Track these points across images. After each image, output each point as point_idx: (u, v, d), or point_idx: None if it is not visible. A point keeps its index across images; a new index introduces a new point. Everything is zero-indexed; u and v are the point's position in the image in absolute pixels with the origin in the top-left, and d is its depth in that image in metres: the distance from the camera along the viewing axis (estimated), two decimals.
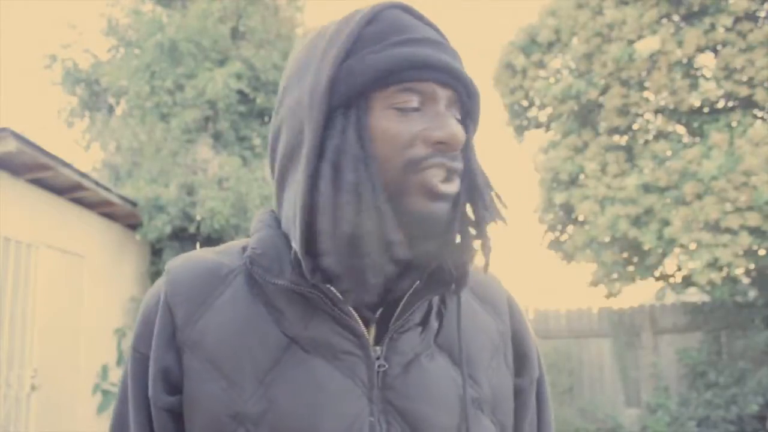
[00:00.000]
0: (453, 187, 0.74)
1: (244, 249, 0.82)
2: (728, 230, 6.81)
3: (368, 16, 0.76)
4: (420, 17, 0.79)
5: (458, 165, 0.74)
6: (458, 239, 0.76)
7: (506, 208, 0.80)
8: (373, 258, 0.71)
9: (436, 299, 0.81)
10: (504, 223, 0.79)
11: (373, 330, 0.77)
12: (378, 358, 0.75)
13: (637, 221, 7.44)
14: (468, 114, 0.78)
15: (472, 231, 0.77)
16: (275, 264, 0.76)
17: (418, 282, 0.77)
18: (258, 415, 0.72)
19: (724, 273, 7.03)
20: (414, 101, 0.74)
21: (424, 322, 0.79)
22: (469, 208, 0.77)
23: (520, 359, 0.88)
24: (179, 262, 0.81)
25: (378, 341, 0.77)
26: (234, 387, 0.73)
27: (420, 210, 0.72)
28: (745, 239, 6.67)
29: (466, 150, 0.77)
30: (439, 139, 0.73)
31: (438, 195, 0.72)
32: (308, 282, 0.73)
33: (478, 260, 0.79)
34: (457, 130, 0.73)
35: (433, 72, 0.74)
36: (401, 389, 0.75)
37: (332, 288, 0.73)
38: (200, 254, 0.83)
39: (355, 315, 0.75)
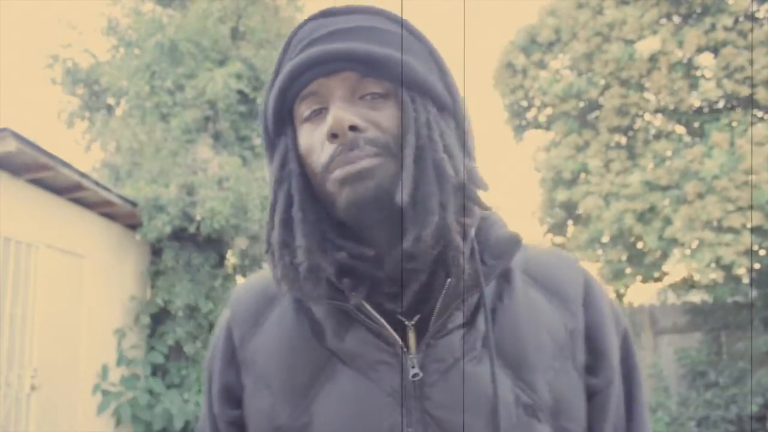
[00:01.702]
0: (363, 164, 0.69)
1: None
2: (730, 229, 6.81)
3: (288, 39, 0.79)
4: (329, 12, 0.78)
5: (361, 150, 0.69)
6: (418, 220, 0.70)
7: (479, 180, 0.74)
8: (289, 271, 0.73)
9: (490, 296, 0.76)
10: (454, 178, 0.71)
11: (413, 337, 0.74)
12: (413, 367, 0.73)
13: (642, 217, 7.44)
14: (397, 82, 0.73)
15: (429, 203, 0.70)
16: None
17: (449, 280, 0.73)
18: (299, 429, 0.75)
19: (725, 272, 7.03)
20: (313, 106, 0.74)
21: (469, 323, 0.75)
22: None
23: (596, 357, 0.79)
24: (240, 287, 0.88)
25: (417, 348, 0.74)
26: (280, 402, 0.77)
27: (342, 203, 0.71)
28: (747, 238, 6.66)
29: (404, 121, 0.72)
30: (329, 133, 0.70)
31: (353, 176, 0.69)
32: (339, 294, 0.74)
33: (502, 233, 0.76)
34: (338, 114, 0.69)
35: (310, 72, 0.73)
36: (438, 398, 0.72)
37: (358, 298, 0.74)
38: (259, 275, 0.88)
39: (385, 323, 0.73)
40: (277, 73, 0.79)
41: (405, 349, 0.73)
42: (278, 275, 0.74)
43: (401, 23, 0.78)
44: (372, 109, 0.73)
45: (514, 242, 0.77)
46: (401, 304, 0.73)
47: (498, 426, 0.71)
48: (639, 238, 7.59)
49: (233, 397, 0.82)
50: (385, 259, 0.72)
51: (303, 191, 0.74)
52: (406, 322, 0.74)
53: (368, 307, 0.73)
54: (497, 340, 0.74)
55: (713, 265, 6.87)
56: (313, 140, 0.74)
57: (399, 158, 0.70)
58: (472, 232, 0.75)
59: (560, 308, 0.79)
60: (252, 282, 0.88)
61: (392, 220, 0.70)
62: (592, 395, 0.78)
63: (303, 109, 0.75)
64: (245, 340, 0.82)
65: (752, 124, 7.28)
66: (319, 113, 0.74)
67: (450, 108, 0.76)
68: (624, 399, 0.82)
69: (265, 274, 0.86)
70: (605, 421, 0.79)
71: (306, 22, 0.79)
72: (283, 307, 0.82)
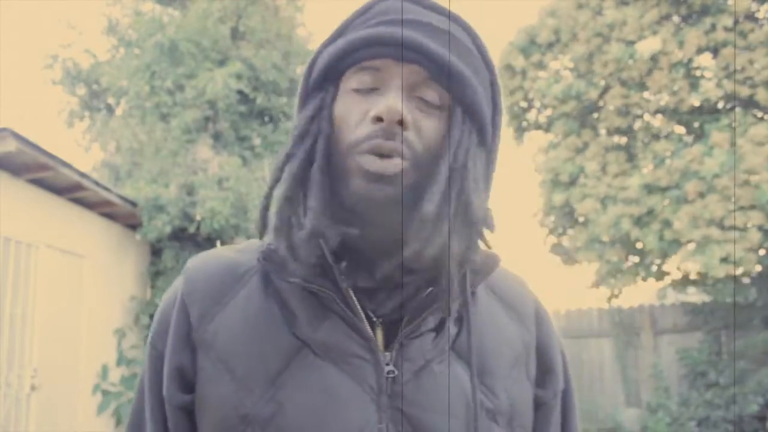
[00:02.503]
0: (390, 166, 0.69)
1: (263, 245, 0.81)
2: (736, 227, 6.80)
3: (363, 7, 0.77)
4: (422, 3, 0.76)
5: (396, 144, 0.69)
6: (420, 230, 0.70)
7: (491, 223, 0.74)
8: (285, 227, 0.73)
9: (457, 303, 0.77)
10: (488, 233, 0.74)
11: (381, 334, 0.75)
12: (387, 364, 0.73)
13: (639, 221, 7.44)
14: (457, 100, 0.73)
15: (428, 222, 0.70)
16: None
17: (431, 289, 0.74)
18: (266, 418, 0.71)
19: (733, 270, 7.02)
20: (369, 81, 0.73)
21: (439, 328, 0.77)
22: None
23: (544, 370, 0.84)
24: (198, 261, 0.82)
25: (388, 346, 0.75)
26: (244, 389, 0.72)
27: (357, 191, 0.70)
28: (755, 235, 6.66)
29: (446, 141, 0.72)
30: (375, 114, 0.70)
31: (372, 175, 0.69)
32: (320, 280, 0.73)
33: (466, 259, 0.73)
34: (394, 104, 0.69)
35: (384, 48, 0.72)
36: (411, 397, 0.73)
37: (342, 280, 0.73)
38: (219, 252, 0.83)
39: (363, 317, 0.73)
40: (341, 31, 0.77)
41: (377, 346, 0.74)
42: (274, 229, 0.73)
43: (481, 49, 0.78)
44: (421, 113, 0.72)
45: (494, 261, 0.80)
46: (374, 303, 0.74)
47: (476, 429, 0.74)
48: (638, 240, 7.59)
49: (185, 380, 0.76)
50: (381, 257, 0.73)
51: (326, 153, 0.73)
52: (375, 319, 0.75)
53: (353, 297, 0.73)
54: (464, 347, 0.77)
55: (728, 260, 6.84)
56: (353, 111, 0.73)
57: (423, 171, 0.70)
58: (468, 263, 0.75)
59: (517, 323, 0.84)
60: (213, 259, 0.81)
61: (396, 225, 0.70)
62: (538, 406, 0.83)
63: (355, 80, 0.74)
64: (205, 318, 0.76)
65: (734, 110, 7.28)
66: (370, 91, 0.73)
67: (487, 144, 0.76)
68: (562, 411, 0.87)
69: (224, 252, 0.83)
70: (548, 429, 0.85)
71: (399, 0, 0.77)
72: (250, 288, 0.77)
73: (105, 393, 6.40)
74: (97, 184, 5.86)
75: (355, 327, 0.73)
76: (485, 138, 0.75)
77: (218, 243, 7.42)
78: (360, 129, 0.71)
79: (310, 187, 0.71)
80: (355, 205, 0.70)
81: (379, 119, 0.69)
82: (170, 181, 7.08)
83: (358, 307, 0.73)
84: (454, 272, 0.72)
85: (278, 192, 0.76)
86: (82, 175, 5.58)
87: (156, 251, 7.46)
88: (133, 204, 6.68)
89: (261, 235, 0.76)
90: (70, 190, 5.74)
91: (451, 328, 0.77)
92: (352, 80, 0.74)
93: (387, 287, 0.74)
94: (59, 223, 5.76)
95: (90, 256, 6.22)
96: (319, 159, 0.72)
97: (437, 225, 0.69)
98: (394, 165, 0.69)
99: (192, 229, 6.97)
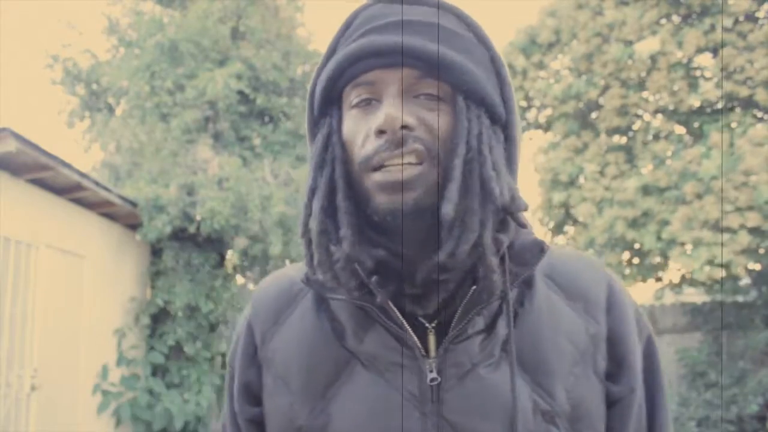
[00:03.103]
0: (411, 171, 0.68)
1: None
2: (728, 229, 6.82)
3: (346, 21, 0.77)
4: (409, 1, 0.75)
5: (406, 149, 0.68)
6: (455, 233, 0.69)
7: (521, 202, 0.72)
8: (326, 258, 0.72)
9: (511, 301, 0.75)
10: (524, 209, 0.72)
11: (432, 341, 0.74)
12: (431, 371, 0.72)
13: (634, 223, 7.45)
14: (455, 87, 0.71)
15: (468, 221, 0.69)
16: None
17: (474, 288, 0.72)
18: (318, 429, 0.75)
19: (724, 271, 7.03)
20: (365, 95, 0.72)
21: (489, 329, 0.74)
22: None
23: (618, 363, 0.77)
24: (264, 283, 0.87)
25: (436, 352, 0.74)
26: (299, 402, 0.76)
27: (382, 206, 0.69)
28: (744, 238, 6.67)
29: (456, 130, 0.70)
30: (377, 127, 0.69)
31: (390, 186, 0.68)
32: (364, 295, 0.73)
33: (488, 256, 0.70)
34: (392, 111, 0.68)
35: (371, 59, 0.71)
36: (455, 403, 0.72)
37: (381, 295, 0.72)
38: (282, 272, 0.88)
39: (406, 325, 0.73)
40: (332, 51, 0.77)
41: (424, 353, 0.73)
42: (314, 262, 0.73)
43: (473, 28, 0.76)
44: (425, 110, 0.71)
45: (539, 250, 0.76)
46: (424, 308, 0.73)
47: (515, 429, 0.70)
48: (635, 241, 7.60)
49: (253, 394, 0.82)
50: (417, 263, 0.71)
51: (346, 178, 0.72)
52: (427, 325, 0.74)
53: (392, 307, 0.72)
54: (517, 346, 0.74)
55: (713, 263, 6.87)
56: (358, 129, 0.72)
57: (441, 165, 0.69)
58: (504, 246, 0.74)
59: (582, 313, 0.77)
60: (273, 279, 0.87)
61: (428, 228, 0.69)
62: (613, 402, 0.77)
63: (353, 96, 0.73)
64: (266, 338, 0.82)
65: (722, 111, 7.28)
66: (369, 103, 0.72)
67: (502, 120, 0.74)
68: (646, 406, 0.80)
69: (286, 271, 0.87)
70: (626, 428, 0.78)
71: (370, 4, 0.77)
72: (304, 306, 0.81)
73: (105, 393, 6.40)
74: (97, 184, 5.86)
75: (398, 336, 0.74)
76: (497, 115, 0.74)
77: (219, 243, 7.43)
78: (367, 145, 0.70)
79: (339, 217, 0.71)
80: (383, 219, 0.70)
81: (381, 131, 0.69)
82: (170, 181, 7.08)
83: (399, 316, 0.72)
84: (491, 264, 0.70)
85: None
86: (82, 175, 5.57)
87: (156, 251, 7.47)
88: (133, 204, 6.68)
89: (313, 272, 0.76)
90: (70, 190, 5.74)
91: (502, 329, 0.74)
92: (350, 97, 0.74)
93: (433, 291, 0.72)
94: (59, 223, 5.76)
95: (90, 256, 6.22)
96: (341, 187, 0.72)
97: (465, 220, 0.68)
98: (409, 171, 0.68)
99: (192, 229, 6.97)
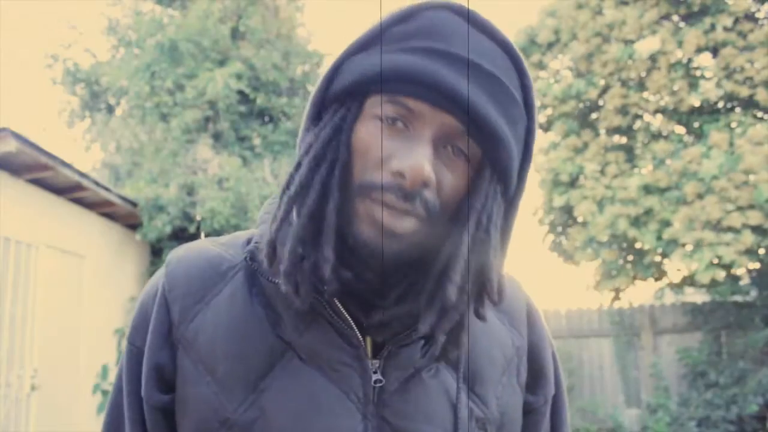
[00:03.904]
0: (403, 224, 0.65)
1: (248, 242, 0.77)
2: (730, 229, 6.82)
3: (403, 13, 0.69)
4: (476, 23, 0.68)
5: (413, 207, 0.64)
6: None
7: (493, 295, 0.69)
8: (299, 270, 0.66)
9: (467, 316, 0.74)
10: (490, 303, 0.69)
11: (371, 342, 0.72)
12: (375, 372, 0.71)
13: (636, 221, 7.45)
14: (489, 159, 0.67)
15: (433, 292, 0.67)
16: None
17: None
18: (247, 423, 0.69)
19: (725, 272, 7.04)
20: (397, 116, 0.66)
21: (429, 336, 0.72)
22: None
23: (535, 375, 0.82)
24: (180, 254, 0.77)
25: (376, 354, 0.72)
26: (225, 392, 0.70)
27: (364, 240, 0.65)
28: (747, 237, 6.67)
29: (470, 204, 0.66)
30: (396, 169, 0.64)
31: (384, 229, 0.64)
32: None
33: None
34: (422, 165, 0.63)
35: (420, 88, 0.64)
36: (398, 406, 0.71)
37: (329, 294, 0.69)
38: (203, 246, 0.78)
39: (352, 323, 0.70)
40: (376, 34, 0.69)
41: (366, 354, 0.71)
42: (278, 267, 0.67)
43: (526, 89, 0.70)
44: (447, 168, 0.66)
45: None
46: (369, 318, 0.70)
47: None
48: (635, 240, 7.60)
49: (165, 379, 0.72)
50: (382, 289, 0.68)
51: (342, 189, 0.66)
52: (366, 326, 0.71)
53: (338, 304, 0.69)
54: (456, 354, 0.74)
55: (718, 264, 6.86)
56: (375, 147, 0.66)
57: (436, 228, 0.66)
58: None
59: (508, 326, 0.81)
60: (195, 253, 0.77)
61: (399, 276, 0.68)
62: (527, 412, 0.81)
63: (385, 108, 0.66)
64: (186, 316, 0.72)
65: (709, 112, 7.28)
66: (394, 123, 0.66)
67: (510, 195, 0.71)
68: (552, 417, 0.84)
69: (208, 246, 0.78)
70: None
71: (437, 5, 0.69)
72: (233, 286, 0.73)
73: (105, 393, 6.40)
74: (97, 184, 5.86)
75: (342, 333, 0.70)
76: (509, 189, 0.70)
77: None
78: (377, 173, 0.65)
79: (324, 231, 0.65)
80: (359, 250, 0.66)
81: (401, 175, 0.64)
82: (170, 181, 7.08)
83: (345, 313, 0.70)
84: (456, 317, 0.69)
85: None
86: (82, 175, 5.58)
87: (156, 251, 7.47)
88: (133, 204, 6.68)
89: (272, 274, 0.70)
90: (70, 190, 5.74)
91: (441, 336, 0.72)
92: (378, 106, 0.66)
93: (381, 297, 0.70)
94: (59, 223, 5.77)
95: (90, 256, 6.22)
96: (335, 196, 0.66)
97: (456, 303, 0.66)
98: (407, 225, 0.65)
99: (192, 229, 6.98)
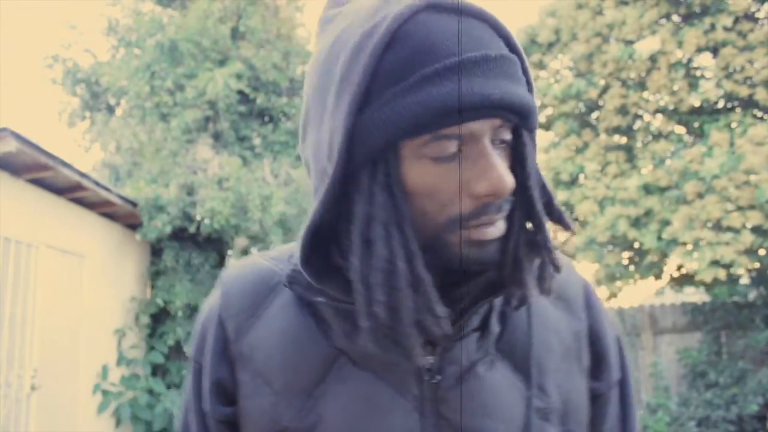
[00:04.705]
0: (499, 229, 0.65)
1: (291, 257, 0.77)
2: (730, 229, 6.82)
3: (385, 39, 0.61)
4: (448, 9, 0.63)
5: (506, 207, 0.66)
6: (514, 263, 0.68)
7: (569, 223, 0.71)
8: (408, 333, 0.63)
9: (498, 300, 0.73)
10: (570, 233, 0.72)
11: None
12: (429, 369, 0.70)
13: (636, 222, 7.45)
14: (523, 123, 0.66)
15: (530, 252, 0.68)
16: None
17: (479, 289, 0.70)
18: (306, 430, 0.70)
19: (725, 271, 7.04)
20: (452, 147, 0.62)
21: (484, 327, 0.72)
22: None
23: (598, 361, 0.79)
24: (232, 272, 0.80)
25: (431, 351, 0.71)
26: (282, 401, 0.71)
27: (470, 257, 0.65)
28: (747, 237, 6.67)
29: (522, 164, 0.67)
30: (486, 192, 0.62)
31: (487, 243, 0.65)
32: (351, 297, 0.66)
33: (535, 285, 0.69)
34: (504, 175, 0.62)
35: (473, 113, 0.61)
36: (455, 402, 0.70)
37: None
38: (253, 261, 0.80)
39: None
40: (372, 75, 0.61)
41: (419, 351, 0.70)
42: (378, 337, 0.63)
43: (510, 44, 0.68)
44: (504, 160, 0.66)
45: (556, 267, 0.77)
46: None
47: (530, 429, 0.71)
48: (635, 240, 7.60)
49: (226, 393, 0.75)
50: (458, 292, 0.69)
51: (417, 242, 0.63)
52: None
53: None
54: (509, 345, 0.73)
55: (714, 263, 6.87)
56: (440, 188, 0.63)
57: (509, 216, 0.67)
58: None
59: (565, 312, 0.79)
60: (247, 269, 0.79)
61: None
62: (593, 399, 0.79)
63: (432, 146, 0.62)
64: (241, 332, 0.75)
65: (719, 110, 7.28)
66: (447, 152, 0.63)
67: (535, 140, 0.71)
68: (620, 402, 0.82)
69: (258, 260, 0.80)
70: (604, 424, 0.80)
71: (408, 16, 0.62)
72: (283, 299, 0.75)
73: (105, 393, 6.40)
74: (97, 184, 5.86)
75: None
76: (535, 138, 0.71)
77: (219, 243, 7.42)
78: (456, 205, 0.63)
79: (428, 294, 0.62)
80: (467, 269, 0.66)
81: (487, 195, 0.62)
82: (170, 181, 7.08)
83: None
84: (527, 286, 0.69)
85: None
86: (82, 175, 5.58)
87: (156, 251, 7.47)
88: (133, 204, 6.69)
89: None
90: (70, 190, 5.74)
91: (495, 326, 0.73)
92: (425, 148, 0.62)
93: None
94: (59, 223, 5.77)
95: (90, 256, 6.22)
96: (419, 255, 0.63)
97: (523, 277, 0.67)
98: (500, 226, 0.65)
99: (192, 229, 6.98)
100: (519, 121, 0.64)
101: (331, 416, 0.70)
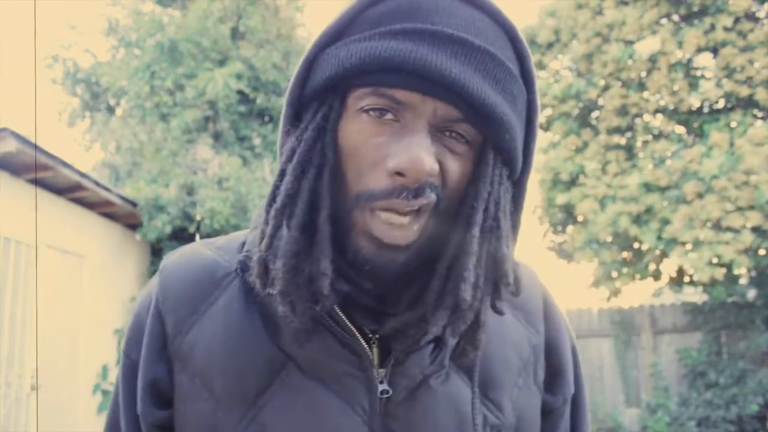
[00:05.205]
0: (406, 236, 0.60)
1: (243, 245, 0.72)
2: (730, 229, 6.82)
3: None
4: None
5: (418, 202, 0.59)
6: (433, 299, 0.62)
7: (507, 290, 0.64)
8: (295, 288, 0.60)
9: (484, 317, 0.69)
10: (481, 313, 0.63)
11: (377, 350, 0.67)
12: (381, 382, 0.66)
13: (637, 219, 7.45)
14: (491, 142, 0.61)
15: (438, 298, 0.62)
16: None
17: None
18: None
19: (724, 271, 7.04)
20: (383, 106, 0.60)
21: (438, 339, 0.68)
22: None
23: (554, 374, 0.76)
24: (173, 260, 0.73)
25: (382, 363, 0.67)
26: (224, 408, 0.66)
27: (365, 255, 0.60)
28: (747, 237, 6.67)
29: (475, 182, 0.61)
30: (395, 168, 0.58)
31: (385, 243, 0.59)
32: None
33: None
34: (421, 157, 0.57)
35: (405, 77, 0.58)
36: (406, 417, 0.66)
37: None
38: (197, 251, 0.73)
39: (356, 333, 0.66)
40: (352, 17, 0.63)
41: (371, 363, 0.66)
42: (274, 287, 0.61)
43: (522, 60, 0.64)
44: (450, 153, 0.61)
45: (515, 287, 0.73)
46: (378, 323, 0.66)
47: None
48: (636, 239, 7.61)
49: (162, 395, 0.69)
50: (386, 299, 0.65)
51: (334, 195, 0.61)
52: (370, 335, 0.67)
53: (339, 313, 0.65)
54: (469, 359, 0.69)
55: (713, 262, 6.87)
56: (367, 146, 0.60)
57: (443, 219, 0.62)
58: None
59: (524, 323, 0.76)
60: (189, 259, 0.72)
61: (407, 285, 0.63)
62: (546, 413, 0.76)
63: (367, 100, 0.60)
64: (181, 329, 0.68)
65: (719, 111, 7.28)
66: (384, 115, 0.60)
67: (516, 176, 0.66)
68: (571, 417, 0.80)
69: (202, 251, 0.73)
70: None
71: None
72: (229, 294, 0.69)
73: (105, 393, 6.40)
74: (97, 184, 5.87)
75: (345, 342, 0.66)
76: (515, 170, 0.65)
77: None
78: (374, 178, 0.60)
79: (318, 243, 0.60)
80: (358, 263, 0.61)
81: (400, 174, 0.58)
82: (170, 181, 7.08)
83: (347, 322, 0.65)
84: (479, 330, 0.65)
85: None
86: (82, 175, 5.58)
87: (156, 251, 7.47)
88: (133, 204, 6.69)
89: (263, 287, 0.64)
90: (70, 190, 5.74)
91: (450, 339, 0.68)
92: (362, 98, 0.60)
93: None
94: (59, 223, 5.77)
95: (90, 256, 6.22)
96: (326, 205, 0.60)
97: (471, 305, 0.61)
98: (410, 234, 0.60)
99: (192, 229, 6.98)
100: (476, 121, 0.60)
101: (275, 426, 0.65)
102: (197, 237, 7.28)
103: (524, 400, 0.73)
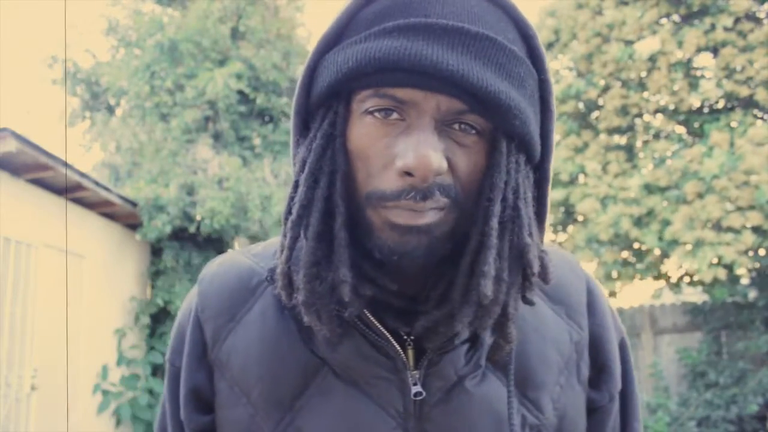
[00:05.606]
0: (425, 218, 0.59)
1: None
2: (730, 229, 6.82)
3: None
4: None
5: (432, 201, 0.59)
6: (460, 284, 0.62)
7: (533, 275, 0.62)
8: (318, 297, 0.61)
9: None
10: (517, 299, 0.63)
11: (411, 352, 0.67)
12: (415, 384, 0.66)
13: (638, 222, 7.45)
14: (502, 130, 0.60)
15: (467, 282, 0.61)
16: None
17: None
18: None
19: (726, 272, 7.04)
20: (387, 106, 0.59)
21: (474, 338, 0.67)
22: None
23: (599, 370, 0.74)
24: (211, 270, 0.75)
25: (417, 364, 0.66)
26: (261, 413, 0.67)
27: (390, 244, 0.59)
28: (748, 238, 6.67)
29: (490, 172, 0.60)
30: (403, 168, 0.57)
31: (404, 228, 0.59)
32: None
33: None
34: (428, 154, 0.56)
35: (403, 75, 0.57)
36: (440, 419, 0.66)
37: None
38: (234, 259, 0.75)
39: (388, 335, 0.66)
40: (348, 20, 0.63)
41: (406, 365, 0.66)
42: (298, 298, 0.62)
43: (528, 40, 0.63)
44: (459, 147, 0.60)
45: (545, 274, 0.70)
46: (409, 325, 0.66)
47: None
48: (637, 240, 7.61)
49: (203, 401, 0.71)
50: (416, 301, 0.64)
51: (349, 201, 0.61)
52: (405, 337, 0.66)
53: (369, 316, 0.65)
54: (503, 356, 0.68)
55: (714, 262, 6.87)
56: (376, 148, 0.60)
57: (463, 211, 0.61)
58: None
59: (565, 318, 0.73)
60: (226, 268, 0.74)
61: (434, 268, 0.63)
62: (592, 410, 0.74)
63: (371, 102, 0.60)
64: (219, 337, 0.70)
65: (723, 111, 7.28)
66: (390, 115, 0.60)
67: (536, 161, 0.65)
68: (620, 414, 0.77)
69: (239, 258, 0.75)
70: None
71: None
72: (264, 302, 0.70)
73: (105, 393, 6.40)
74: (97, 184, 5.87)
75: (377, 345, 0.66)
76: (534, 155, 0.64)
77: (219, 243, 7.42)
78: (385, 179, 0.59)
79: (336, 250, 0.60)
80: (388, 259, 0.60)
81: (408, 174, 0.58)
82: (170, 181, 7.08)
83: (378, 325, 0.65)
84: (509, 323, 0.64)
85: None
86: (82, 175, 5.58)
87: (156, 251, 7.47)
88: (133, 204, 6.69)
89: (289, 299, 0.64)
90: (70, 190, 5.74)
91: (487, 337, 0.67)
92: (366, 101, 0.60)
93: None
94: (59, 223, 5.76)
95: (90, 256, 6.22)
96: (341, 211, 0.60)
97: (495, 298, 0.60)
98: (429, 216, 0.59)
99: (192, 229, 6.98)
100: (482, 111, 0.58)
101: (311, 430, 0.66)
102: (198, 236, 7.28)
103: (566, 399, 0.71)
